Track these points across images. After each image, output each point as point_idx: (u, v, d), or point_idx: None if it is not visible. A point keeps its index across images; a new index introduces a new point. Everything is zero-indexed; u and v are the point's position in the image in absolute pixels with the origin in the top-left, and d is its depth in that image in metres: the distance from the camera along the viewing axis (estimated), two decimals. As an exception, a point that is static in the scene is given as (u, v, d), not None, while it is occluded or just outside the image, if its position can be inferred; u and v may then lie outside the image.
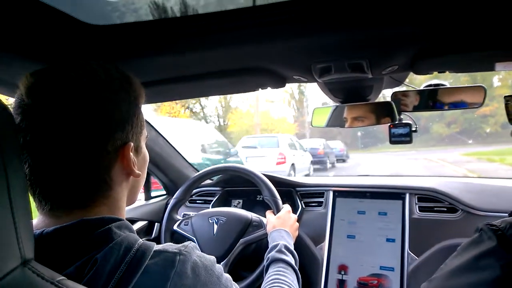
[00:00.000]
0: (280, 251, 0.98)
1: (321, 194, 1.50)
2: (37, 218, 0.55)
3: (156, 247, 0.53)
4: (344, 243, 1.36)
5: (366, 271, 1.28)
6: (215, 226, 1.24)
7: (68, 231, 0.51)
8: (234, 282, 0.63)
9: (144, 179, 0.68)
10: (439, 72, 0.92)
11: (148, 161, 0.68)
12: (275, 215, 1.21)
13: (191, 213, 1.39)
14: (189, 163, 1.81)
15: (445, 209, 1.27)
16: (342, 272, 1.31)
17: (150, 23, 0.68)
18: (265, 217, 1.24)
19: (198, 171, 1.75)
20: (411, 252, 1.23)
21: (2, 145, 0.39)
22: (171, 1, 0.65)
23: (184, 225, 1.31)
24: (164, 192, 1.80)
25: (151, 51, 0.76)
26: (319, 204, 1.48)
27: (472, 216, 1.22)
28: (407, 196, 1.32)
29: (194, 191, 1.68)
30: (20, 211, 0.41)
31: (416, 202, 1.31)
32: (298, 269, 0.99)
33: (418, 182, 1.38)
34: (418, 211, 1.29)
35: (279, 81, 1.00)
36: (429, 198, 1.31)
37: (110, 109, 0.54)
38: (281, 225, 1.13)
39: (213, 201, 1.65)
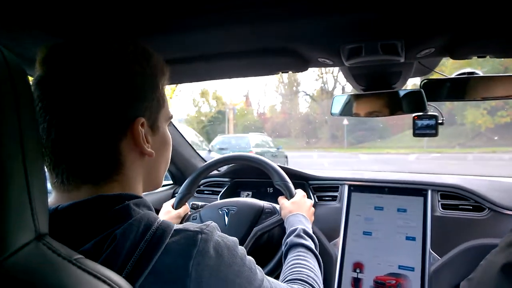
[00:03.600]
0: (298, 236, 0.94)
1: (335, 188, 1.43)
2: None
3: (176, 226, 0.51)
4: (360, 239, 1.29)
5: (383, 270, 1.21)
6: (226, 217, 1.18)
7: (85, 206, 0.50)
8: (257, 265, 0.59)
9: (167, 163, 0.65)
10: (478, 57, 0.84)
11: (170, 143, 0.64)
12: (288, 200, 1.15)
13: (200, 203, 1.33)
14: (197, 153, 1.74)
15: (471, 207, 1.20)
16: (358, 270, 1.25)
17: None
18: (278, 204, 1.18)
19: (206, 161, 1.68)
20: (433, 251, 1.16)
21: (18, 101, 0.36)
22: None
23: (192, 219, 1.24)
24: (171, 182, 1.74)
25: (173, 27, 0.71)
26: (334, 198, 1.41)
27: (500, 215, 1.15)
28: (429, 192, 1.25)
29: (202, 181, 1.61)
30: (36, 181, 0.37)
31: (439, 199, 1.24)
32: None
33: (440, 179, 1.30)
34: (441, 209, 1.22)
35: (303, 64, 0.93)
36: (453, 196, 1.23)
37: (120, 81, 0.53)
38: (297, 210, 1.08)
39: (222, 192, 1.59)
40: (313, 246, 0.92)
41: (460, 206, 1.21)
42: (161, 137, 0.62)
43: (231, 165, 1.61)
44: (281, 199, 1.16)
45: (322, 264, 0.90)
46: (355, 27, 0.74)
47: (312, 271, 0.81)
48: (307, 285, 0.75)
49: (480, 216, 1.18)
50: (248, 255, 0.58)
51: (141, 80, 0.55)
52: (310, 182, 1.48)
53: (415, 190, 1.28)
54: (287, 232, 0.98)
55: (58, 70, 0.51)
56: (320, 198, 1.44)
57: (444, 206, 1.23)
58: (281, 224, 1.10)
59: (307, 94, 24.35)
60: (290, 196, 1.17)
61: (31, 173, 0.37)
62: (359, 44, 0.80)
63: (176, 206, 1.26)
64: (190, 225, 0.52)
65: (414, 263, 1.18)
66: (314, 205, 1.42)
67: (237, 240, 0.57)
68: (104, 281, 0.38)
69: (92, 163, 0.52)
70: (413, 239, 1.21)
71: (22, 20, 0.63)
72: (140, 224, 0.48)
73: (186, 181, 1.33)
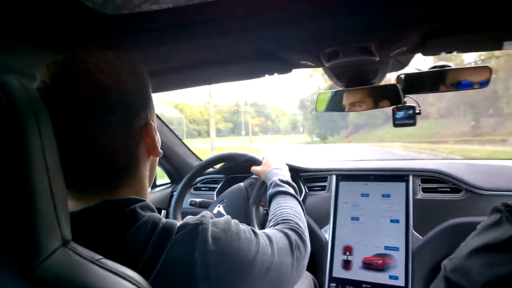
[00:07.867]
0: (275, 185, 1.00)
1: (324, 178, 1.51)
2: None
3: (179, 223, 0.55)
4: (348, 225, 1.38)
5: (371, 251, 1.31)
6: (223, 211, 1.25)
7: (94, 212, 0.52)
8: (254, 229, 0.63)
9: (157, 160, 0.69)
10: (446, 53, 0.92)
11: (160, 143, 0.68)
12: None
13: (198, 200, 1.40)
14: (192, 152, 1.81)
15: (449, 189, 1.30)
16: (347, 253, 1.34)
17: (160, 12, 0.67)
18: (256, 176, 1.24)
19: (201, 160, 1.75)
20: (415, 232, 1.25)
21: (39, 124, 0.40)
22: None
23: None
24: (169, 181, 1.81)
25: (161, 40, 0.75)
26: (323, 188, 1.50)
27: (475, 196, 1.25)
28: (411, 178, 1.34)
29: (199, 179, 1.68)
30: (58, 191, 0.41)
31: (420, 183, 1.34)
32: None
33: (421, 164, 1.39)
34: (421, 192, 1.32)
35: (286, 67, 1.00)
36: (432, 179, 1.33)
37: (132, 91, 0.55)
38: (269, 167, 1.14)
39: (217, 188, 1.66)
40: (290, 190, 0.98)
41: (439, 189, 1.31)
42: (158, 138, 0.65)
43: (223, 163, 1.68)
44: (253, 168, 1.22)
45: (301, 202, 0.96)
46: (331, 33, 0.81)
47: (291, 209, 0.88)
48: (288, 221, 0.81)
49: (458, 197, 1.27)
50: (262, 227, 0.60)
51: (144, 88, 0.59)
52: (301, 174, 1.56)
53: (398, 176, 1.37)
54: (268, 187, 1.04)
55: (71, 88, 0.50)
56: (310, 189, 1.53)
57: (425, 190, 1.32)
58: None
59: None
60: (258, 162, 1.23)
61: (54, 183, 0.41)
62: (336, 47, 0.88)
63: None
64: (189, 219, 0.56)
65: (398, 243, 1.27)
66: (305, 196, 1.50)
67: (229, 217, 0.61)
68: (125, 278, 0.43)
69: (109, 173, 0.54)
70: (397, 221, 1.30)
71: (22, 37, 0.66)
72: (147, 226, 0.52)
73: (175, 192, 1.38)
